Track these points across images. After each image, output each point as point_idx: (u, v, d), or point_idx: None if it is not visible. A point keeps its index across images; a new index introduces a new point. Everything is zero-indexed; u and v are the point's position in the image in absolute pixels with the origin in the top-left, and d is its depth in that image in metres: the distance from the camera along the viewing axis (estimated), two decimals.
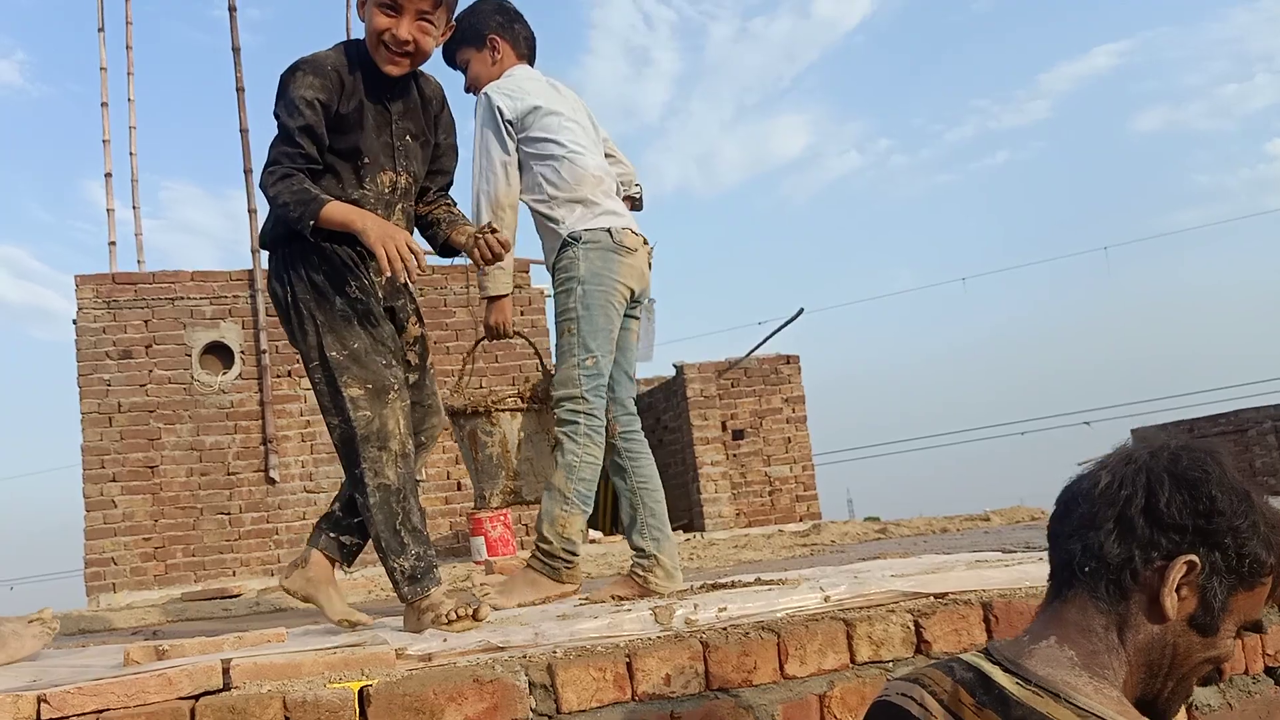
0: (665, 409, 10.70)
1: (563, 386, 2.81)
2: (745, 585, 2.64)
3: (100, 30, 9.18)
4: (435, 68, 2.78)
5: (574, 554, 2.76)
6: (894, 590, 2.34)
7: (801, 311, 9.24)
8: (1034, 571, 2.50)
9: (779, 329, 9.78)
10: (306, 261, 2.42)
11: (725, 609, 2.19)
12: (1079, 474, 1.22)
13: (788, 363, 10.22)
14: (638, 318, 3.12)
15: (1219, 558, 1.12)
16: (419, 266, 2.26)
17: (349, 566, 2.67)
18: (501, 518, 6.84)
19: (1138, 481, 1.14)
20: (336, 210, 2.32)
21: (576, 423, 2.77)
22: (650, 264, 3.10)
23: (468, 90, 3.14)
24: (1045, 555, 2.82)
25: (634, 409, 3.10)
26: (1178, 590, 1.12)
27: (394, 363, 2.44)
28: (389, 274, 2.25)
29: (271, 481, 8.24)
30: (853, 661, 2.14)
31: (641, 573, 2.83)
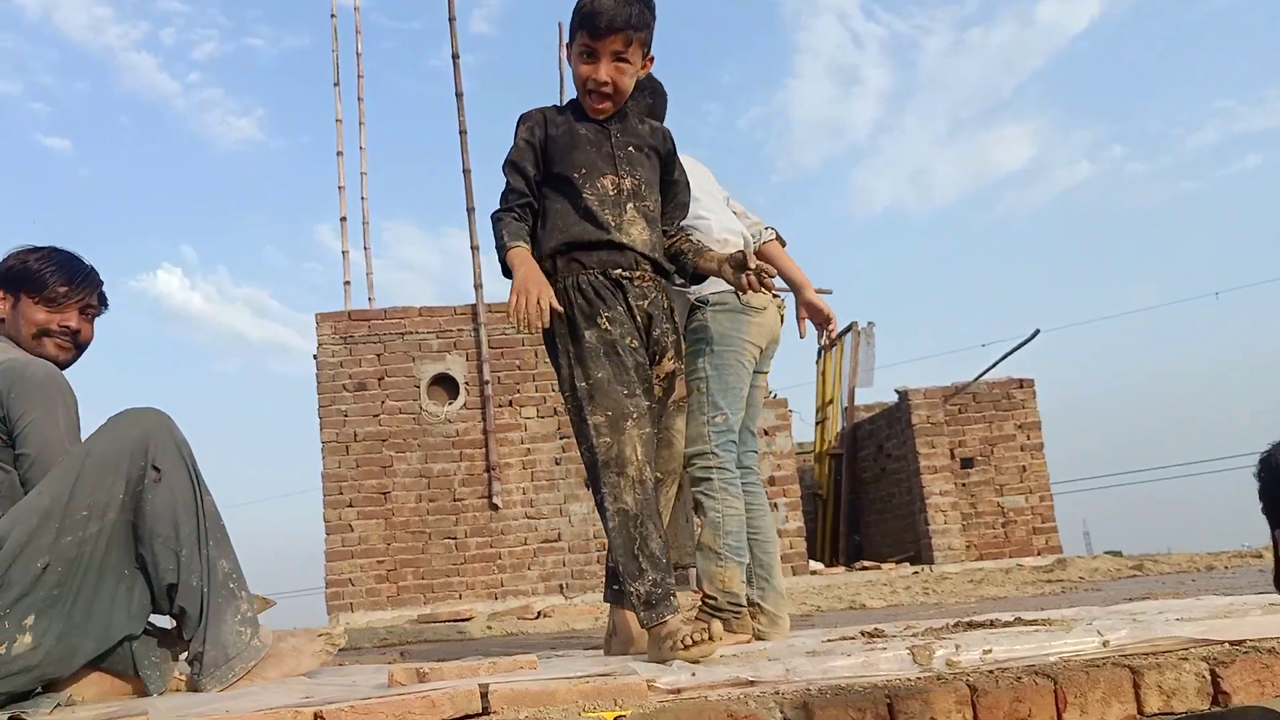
0: (888, 436, 10.37)
1: (693, 444, 2.90)
2: (1005, 625, 2.46)
3: (336, 85, 9.86)
4: None
5: (740, 605, 2.85)
6: (1181, 636, 2.12)
7: (1038, 333, 8.75)
8: None
9: (1012, 351, 9.31)
10: (566, 296, 2.53)
11: (990, 650, 2.04)
12: None
13: (1021, 386, 9.70)
14: (766, 372, 3.23)
15: None
16: (541, 323, 2.40)
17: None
18: None
19: None
20: (511, 256, 2.52)
21: (710, 479, 2.89)
22: (782, 318, 3.20)
23: None
24: None
25: (753, 464, 3.20)
26: None
27: (637, 392, 2.48)
28: (511, 320, 2.43)
29: (495, 508, 8.50)
30: (1140, 713, 1.95)
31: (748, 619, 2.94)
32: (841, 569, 9.11)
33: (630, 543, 2.38)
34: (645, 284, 2.58)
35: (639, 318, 2.56)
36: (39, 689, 2.25)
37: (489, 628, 4.74)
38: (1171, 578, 5.16)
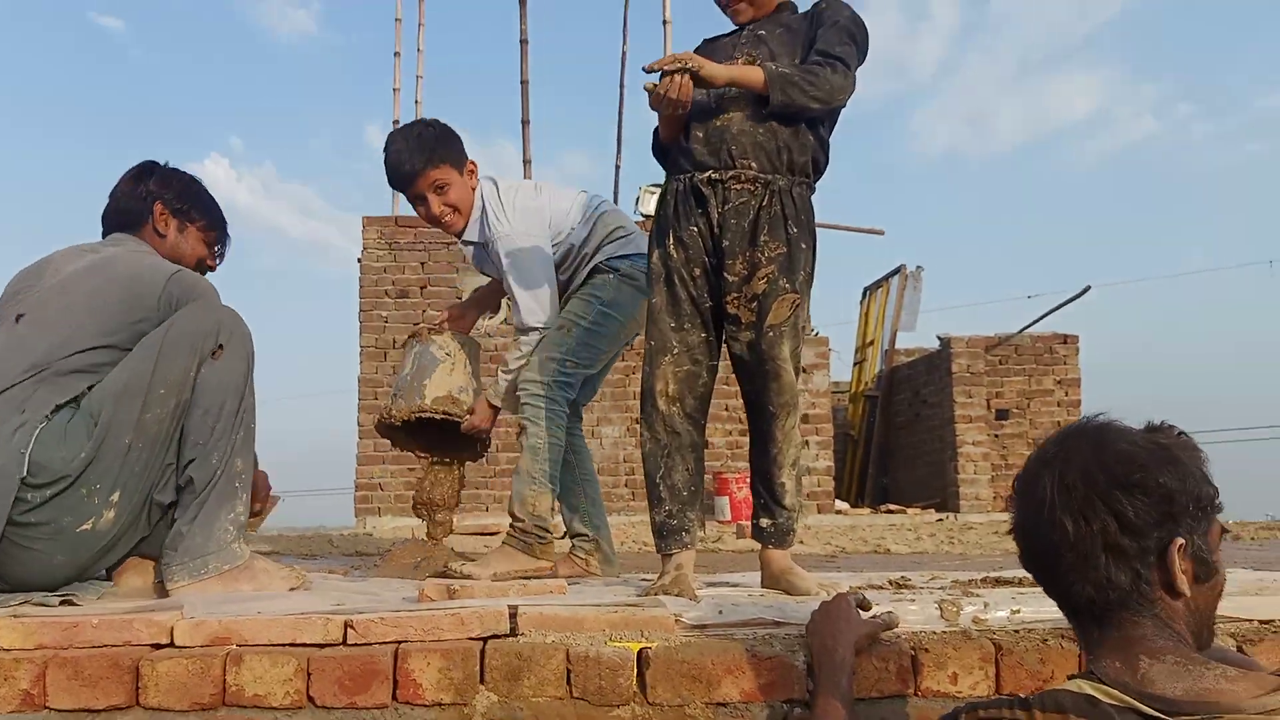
0: (926, 383, 10.28)
1: (535, 371, 2.91)
2: (1033, 584, 2.44)
3: None
4: None
5: (546, 530, 2.88)
6: None
7: (1088, 289, 8.61)
8: None
9: (1061, 305, 9.17)
10: (661, 203, 2.53)
11: (1019, 610, 2.03)
12: (1029, 530, 1.33)
13: (1064, 342, 9.57)
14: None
15: (1190, 522, 1.24)
16: (668, 93, 2.29)
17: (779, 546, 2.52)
18: (749, 478, 6.80)
19: (1098, 510, 1.22)
20: None
21: (538, 406, 2.89)
22: None
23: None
24: None
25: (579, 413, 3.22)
26: (1182, 571, 1.23)
27: (686, 326, 2.43)
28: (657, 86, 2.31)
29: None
30: None
31: (582, 555, 3.08)
32: (867, 510, 9.14)
33: (654, 470, 2.47)
34: (738, 186, 2.36)
35: (714, 230, 2.38)
36: (102, 573, 2.32)
37: None
38: None
